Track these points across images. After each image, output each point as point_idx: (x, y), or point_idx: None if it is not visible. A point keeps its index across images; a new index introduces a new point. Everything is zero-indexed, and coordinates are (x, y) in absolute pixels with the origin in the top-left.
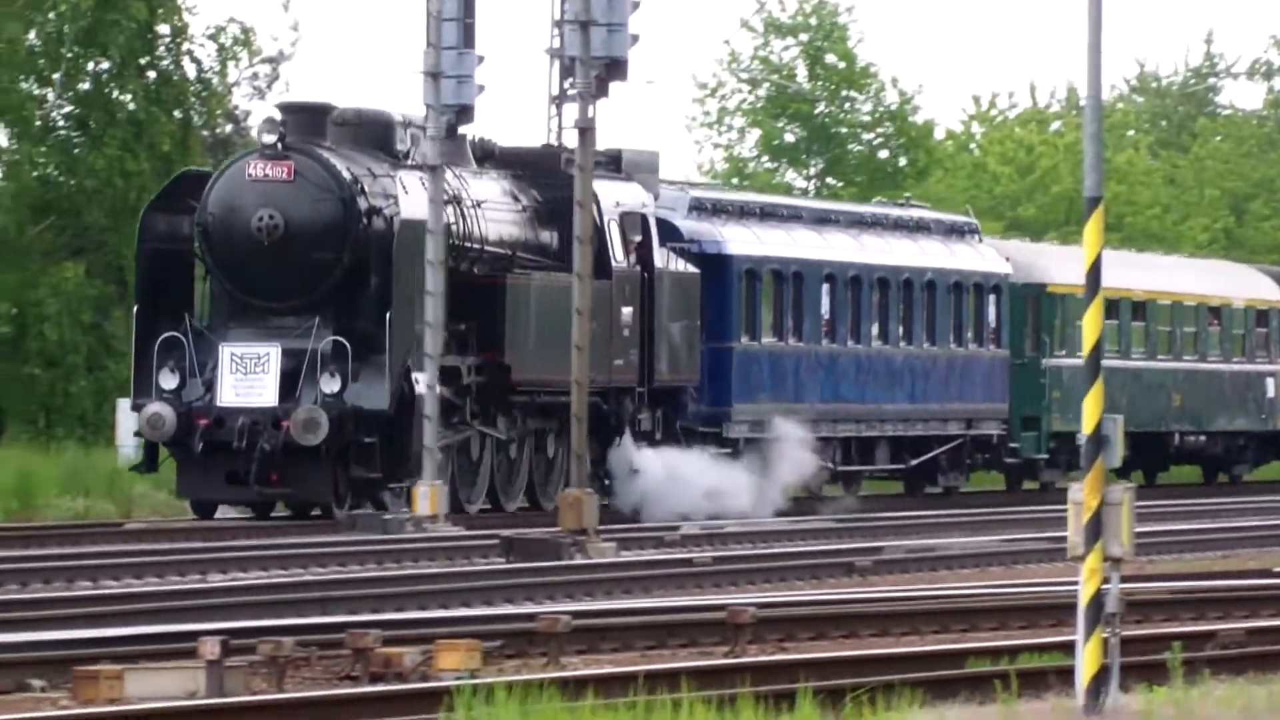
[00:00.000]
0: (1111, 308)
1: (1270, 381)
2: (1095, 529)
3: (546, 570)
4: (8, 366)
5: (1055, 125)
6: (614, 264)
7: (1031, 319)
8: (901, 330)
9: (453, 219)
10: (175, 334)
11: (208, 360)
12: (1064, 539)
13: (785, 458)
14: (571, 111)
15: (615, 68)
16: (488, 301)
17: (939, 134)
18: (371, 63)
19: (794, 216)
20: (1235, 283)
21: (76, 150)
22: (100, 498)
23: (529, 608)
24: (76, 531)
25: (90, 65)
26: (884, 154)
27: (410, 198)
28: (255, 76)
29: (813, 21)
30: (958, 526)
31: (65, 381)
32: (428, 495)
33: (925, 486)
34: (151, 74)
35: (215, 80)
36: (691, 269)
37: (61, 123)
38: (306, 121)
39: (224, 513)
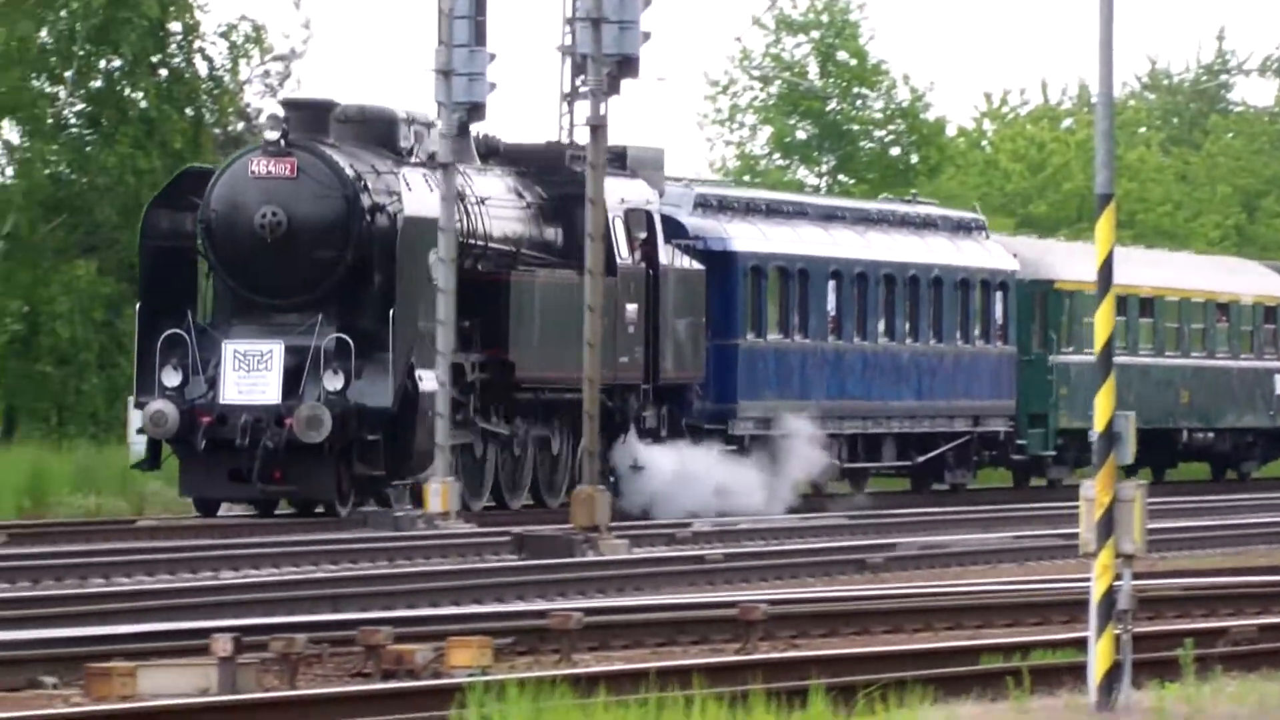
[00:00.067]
0: (1119, 304)
1: (1279, 378)
2: (1107, 526)
3: (558, 567)
4: (20, 364)
5: (1067, 122)
6: (618, 261)
7: (1039, 316)
8: (908, 327)
9: (457, 216)
10: (178, 331)
11: (210, 357)
12: (1076, 536)
13: (791, 454)
14: (583, 109)
15: (627, 65)
16: (492, 299)
17: (951, 131)
18: (383, 60)
19: (800, 213)
20: (1244, 279)
21: (88, 148)
22: (112, 495)
23: (541, 605)
24: (89, 529)
25: (102, 63)
26: (895, 151)
27: (414, 195)
28: (267, 74)
29: (824, 19)
30: (969, 523)
31: (77, 379)
32: (439, 492)
33: (932, 483)
34: (163, 72)
35: (227, 78)
36: (697, 266)
37: (73, 120)
38: (310, 118)
39: (226, 510)
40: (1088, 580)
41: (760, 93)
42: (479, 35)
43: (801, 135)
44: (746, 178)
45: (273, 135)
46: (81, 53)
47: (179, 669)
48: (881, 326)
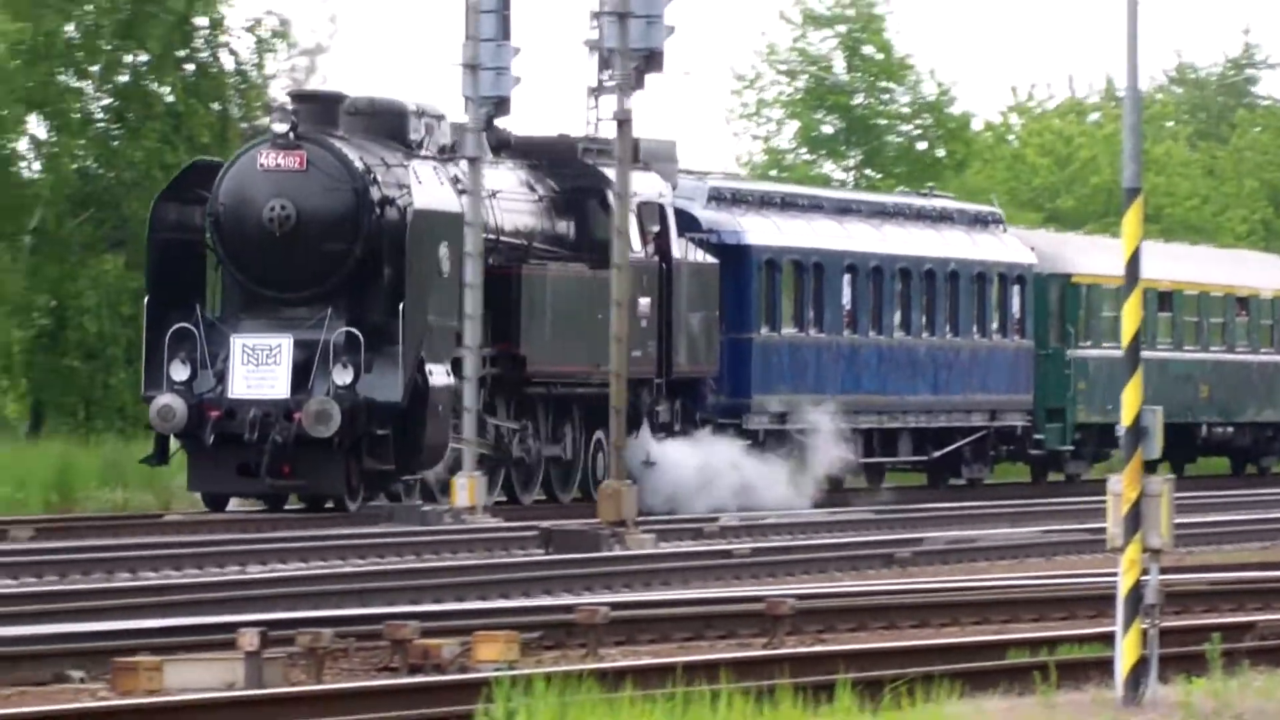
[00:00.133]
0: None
1: None
2: (1134, 520)
3: (585, 562)
4: (47, 359)
5: (1094, 116)
6: (631, 254)
7: (1056, 309)
8: (924, 321)
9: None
10: (186, 325)
11: (219, 351)
12: (1102, 530)
13: (807, 449)
14: (609, 103)
15: (652, 59)
16: (503, 292)
17: (977, 125)
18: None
19: (815, 206)
20: (1264, 272)
21: (115, 143)
22: (139, 489)
23: (567, 599)
24: (115, 523)
25: (128, 58)
26: (922, 146)
27: (424, 188)
28: (293, 69)
29: (850, 13)
30: (996, 518)
31: (105, 374)
32: (466, 487)
33: (949, 479)
34: (189, 66)
35: (253, 73)
36: (710, 259)
37: (100, 115)
38: (319, 111)
39: (235, 505)
40: (1115, 575)
41: (786, 87)
42: (505, 29)
43: (828, 130)
44: (773, 172)
45: (281, 128)
46: (108, 47)
47: (205, 663)
48: (897, 320)
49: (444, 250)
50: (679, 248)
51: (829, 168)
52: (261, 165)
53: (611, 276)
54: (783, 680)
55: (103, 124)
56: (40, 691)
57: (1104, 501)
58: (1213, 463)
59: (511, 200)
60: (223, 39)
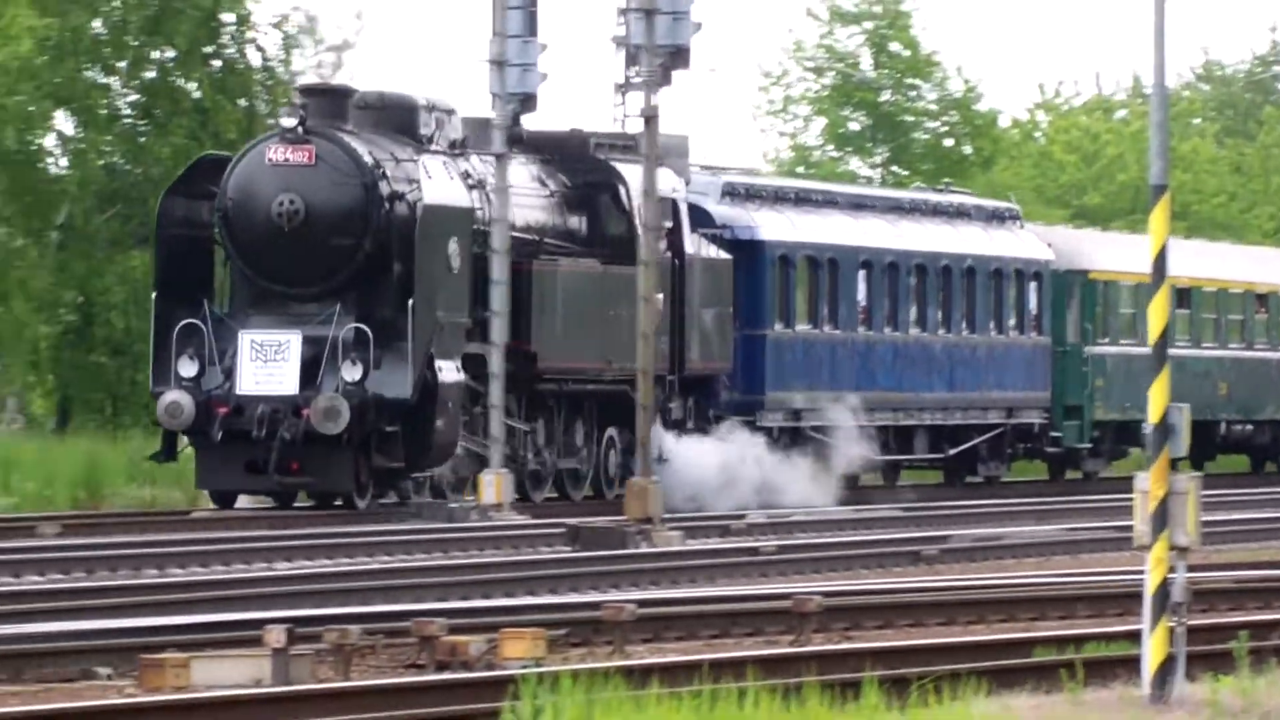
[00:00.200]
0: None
1: None
2: (1161, 518)
3: (612, 559)
4: (75, 355)
5: (1120, 113)
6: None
7: (1074, 306)
8: (940, 317)
9: (478, 204)
10: (194, 321)
11: (227, 347)
12: (1128, 528)
13: (820, 446)
14: (636, 99)
15: (679, 56)
16: (514, 288)
17: (1004, 122)
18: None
19: (830, 202)
20: None
21: (142, 139)
22: (167, 486)
23: (594, 596)
24: (143, 520)
25: (155, 54)
26: (949, 142)
27: (433, 182)
28: (319, 65)
29: (877, 10)
30: (1023, 515)
31: (132, 370)
32: (493, 484)
33: (965, 476)
34: (216, 62)
35: (280, 69)
36: (724, 255)
37: (127, 111)
38: (328, 105)
39: (243, 503)
40: (1142, 573)
41: (813, 84)
42: (532, 25)
43: (855, 126)
44: (800, 169)
45: (290, 122)
46: (135, 43)
47: (233, 660)
48: (913, 317)
49: (454, 246)
50: (692, 243)
51: (856, 164)
52: (270, 160)
53: (638, 273)
54: (810, 678)
55: (130, 120)
56: (67, 688)
57: (1124, 499)
58: (1232, 460)
59: (522, 195)
60: (250, 35)
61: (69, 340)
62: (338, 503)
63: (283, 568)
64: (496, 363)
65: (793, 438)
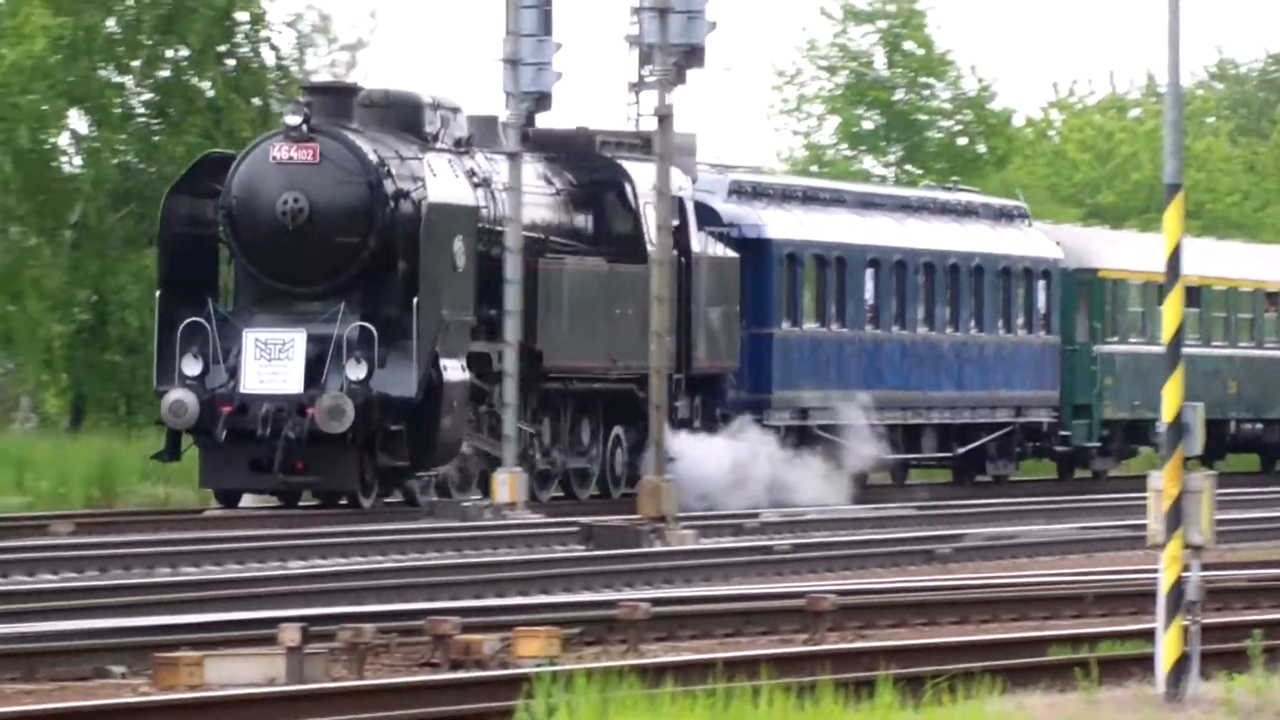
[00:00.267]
0: (1162, 294)
1: None
2: (1175, 517)
3: (626, 558)
4: (89, 354)
5: (1135, 112)
6: (649, 249)
7: (1083, 305)
8: (948, 316)
9: (483, 202)
10: (198, 319)
11: (231, 346)
12: (1142, 527)
13: (827, 445)
14: (650, 98)
15: (693, 55)
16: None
17: (1018, 121)
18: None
19: (837, 200)
20: None
21: (156, 138)
22: (180, 484)
23: (608, 595)
24: (156, 518)
25: (169, 52)
26: (963, 141)
27: (438, 180)
28: (333, 64)
29: (891, 8)
30: (1036, 514)
31: (146, 368)
32: (507, 482)
33: (974, 475)
34: (230, 61)
35: (294, 68)
36: (730, 253)
37: (141, 110)
38: (332, 103)
39: (248, 501)
40: (1156, 571)
41: (827, 82)
42: (546, 24)
43: (868, 125)
44: (813, 168)
45: (294, 120)
46: (149, 42)
47: (246, 658)
48: (921, 315)
49: (459, 244)
50: (698, 241)
51: (869, 163)
52: (274, 158)
53: (652, 272)
54: (824, 676)
55: (143, 119)
56: (81, 686)
57: (1135, 498)
58: (1242, 459)
59: (528, 194)
60: (263, 34)
61: (83, 339)
62: (343, 502)
63: (297, 566)
64: (510, 361)
65: (800, 436)
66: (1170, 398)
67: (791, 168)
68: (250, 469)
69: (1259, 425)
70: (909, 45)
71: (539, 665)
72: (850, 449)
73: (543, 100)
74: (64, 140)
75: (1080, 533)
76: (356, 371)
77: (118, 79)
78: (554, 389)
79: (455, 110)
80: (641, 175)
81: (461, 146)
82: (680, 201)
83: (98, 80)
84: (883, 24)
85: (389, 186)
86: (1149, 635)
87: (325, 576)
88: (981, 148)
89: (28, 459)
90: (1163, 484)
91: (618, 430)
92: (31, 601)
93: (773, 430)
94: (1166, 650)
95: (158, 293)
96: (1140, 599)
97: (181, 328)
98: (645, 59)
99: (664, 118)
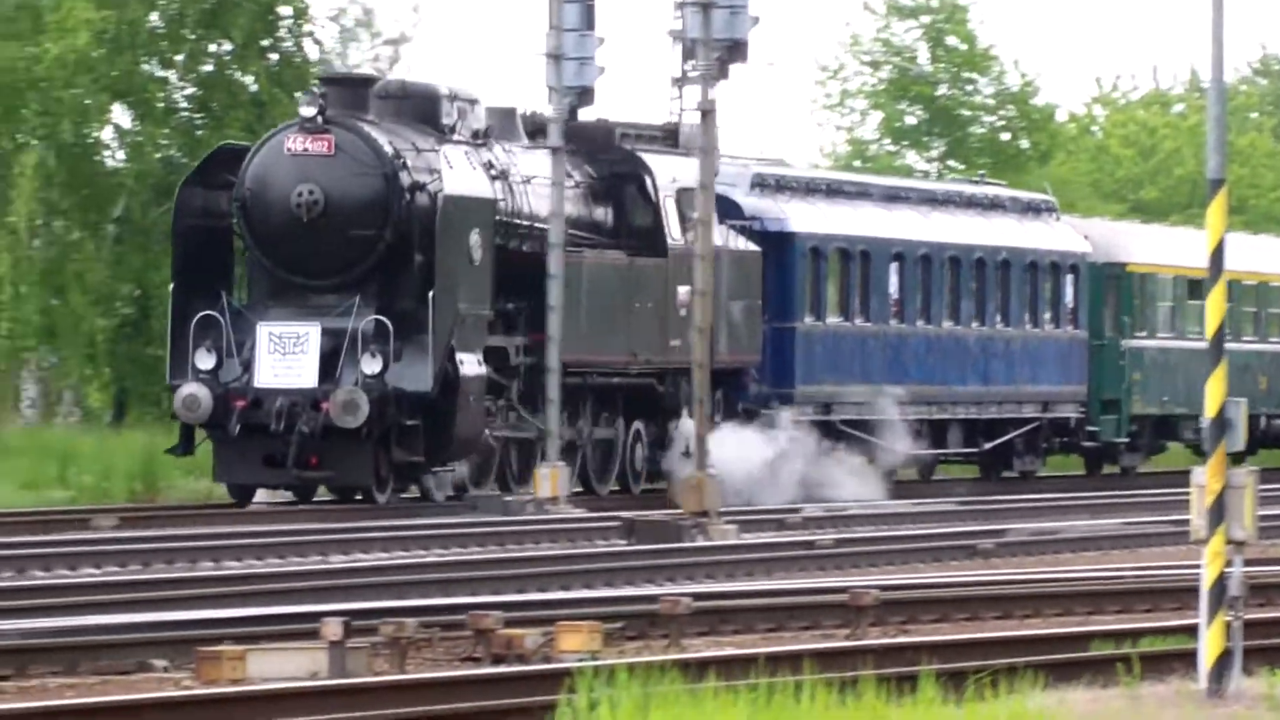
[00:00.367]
0: (1192, 288)
1: None
2: (1218, 512)
3: (668, 552)
4: (131, 348)
5: (1178, 108)
6: (670, 242)
7: (1111, 299)
8: (974, 310)
9: (500, 194)
10: (212, 313)
11: (245, 340)
12: (1184, 522)
13: (852, 440)
14: (693, 93)
15: (736, 49)
16: (537, 280)
17: (1061, 116)
18: (492, 45)
19: (862, 194)
20: None
21: (199, 132)
22: None
23: (650, 590)
24: (199, 512)
25: (212, 47)
26: (1006, 137)
27: (455, 173)
28: (376, 58)
29: (934, 3)
30: (1079, 509)
31: None
32: (549, 477)
33: (1001, 471)
34: (273, 56)
35: (337, 62)
36: (753, 247)
37: (184, 104)
38: (348, 94)
39: (261, 497)
40: (1198, 567)
41: (870, 78)
42: (589, 19)
43: (911, 121)
44: (857, 163)
45: (309, 111)
46: (192, 37)
47: (289, 652)
48: (946, 309)
49: (475, 237)
50: (720, 235)
51: (912, 158)
52: (289, 149)
53: (695, 266)
54: (866, 671)
55: (186, 113)
56: (124, 680)
57: (1171, 494)
58: (1273, 455)
59: (547, 186)
60: (306, 28)
61: (125, 333)
62: (358, 497)
63: (339, 561)
64: (554, 358)
65: (824, 431)
66: (1214, 393)
67: (835, 163)
68: (264, 464)
69: None
70: (952, 40)
71: (581, 660)
72: (876, 444)
73: (585, 95)
74: (107, 134)
75: (1123, 528)
76: (371, 365)
77: (161, 73)
78: (573, 383)
79: (473, 102)
80: (662, 168)
81: (479, 138)
82: None
83: (141, 75)
84: (926, 19)
85: (405, 179)
86: (1191, 631)
87: (367, 571)
88: (1024, 143)
89: (71, 453)
90: (1206, 479)
91: (638, 425)
92: (74, 595)
93: (804, 425)
94: (1209, 646)
95: (171, 286)
96: (1183, 594)
97: (195, 321)
98: (688, 54)
99: (707, 113)
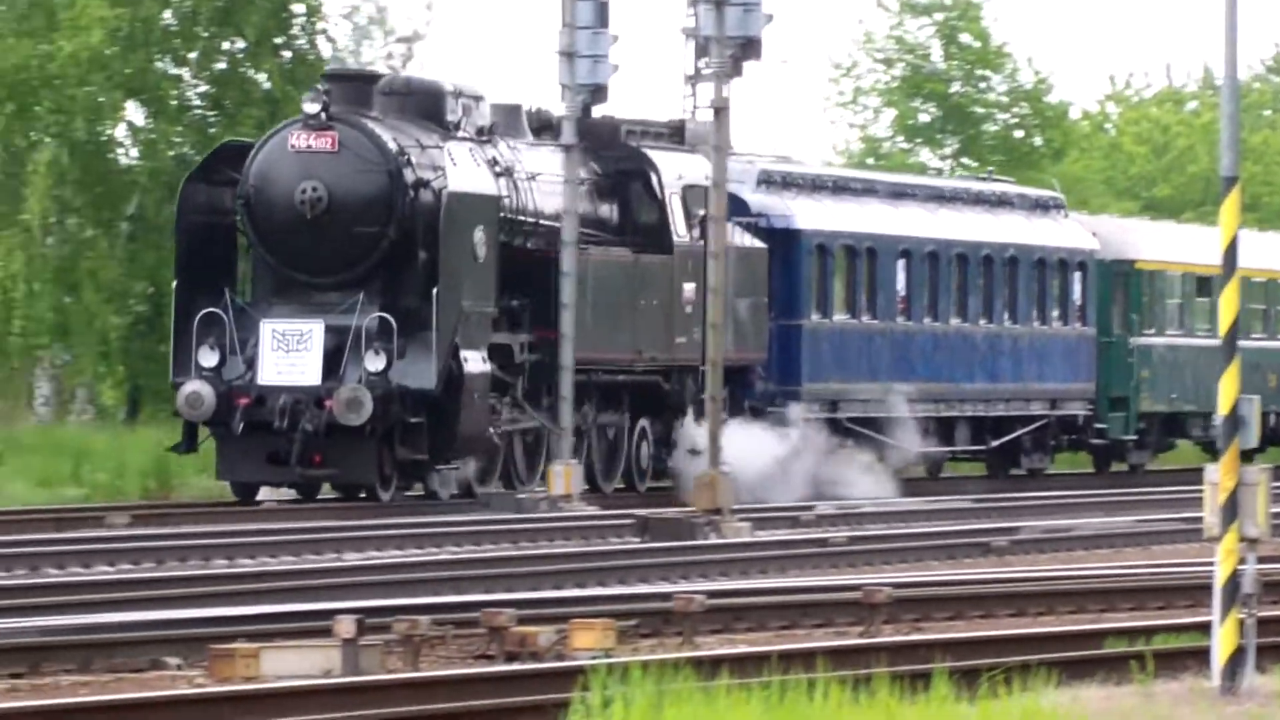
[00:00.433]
0: (1201, 285)
1: None
2: (1231, 510)
3: (681, 550)
4: (145, 345)
5: (1191, 105)
6: (675, 239)
7: (1120, 296)
8: (981, 307)
9: (505, 191)
10: (215, 310)
11: (249, 337)
12: (1197, 520)
13: (859, 438)
14: (706, 91)
15: (749, 47)
16: (542, 277)
17: (1074, 114)
18: (505, 42)
19: (868, 190)
20: None
21: (212, 129)
22: None
23: (664, 587)
24: (212, 510)
25: (226, 44)
26: (1019, 134)
27: (459, 170)
28: (390, 56)
29: (947, 1)
30: (1092, 507)
31: None
32: (562, 474)
33: (1009, 469)
34: (286, 53)
35: (350, 60)
36: (759, 244)
37: (197, 102)
38: (352, 91)
39: (266, 495)
40: (1212, 564)
41: (883, 75)
42: (602, 17)
43: (925, 118)
44: (870, 160)
45: (313, 108)
46: (205, 34)
47: (302, 650)
48: (954, 307)
49: (480, 234)
50: (726, 232)
51: (925, 156)
52: (292, 146)
53: (707, 263)
54: (879, 669)
55: (200, 111)
56: (137, 678)
57: (1182, 491)
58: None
59: (552, 183)
60: (320, 26)
61: (139, 331)
62: (361, 495)
63: (352, 558)
64: (567, 355)
65: (830, 429)
66: (1227, 390)
67: (848, 160)
68: (267, 462)
69: None
70: (965, 38)
71: (594, 657)
72: (883, 442)
73: (598, 93)
74: (120, 132)
75: (1137, 526)
76: (375, 363)
77: (174, 71)
78: (578, 380)
79: (477, 98)
80: (667, 164)
81: (484, 135)
82: (707, 191)
83: (154, 72)
84: (939, 16)
85: (409, 175)
86: (1205, 628)
87: (380, 568)
88: (1038, 140)
89: (84, 451)
90: (1219, 477)
91: (643, 422)
92: (88, 593)
93: (814, 423)
94: (1222, 643)
95: (174, 283)
96: (1196, 592)
97: (198, 318)
98: (701, 51)
99: (720, 110)
